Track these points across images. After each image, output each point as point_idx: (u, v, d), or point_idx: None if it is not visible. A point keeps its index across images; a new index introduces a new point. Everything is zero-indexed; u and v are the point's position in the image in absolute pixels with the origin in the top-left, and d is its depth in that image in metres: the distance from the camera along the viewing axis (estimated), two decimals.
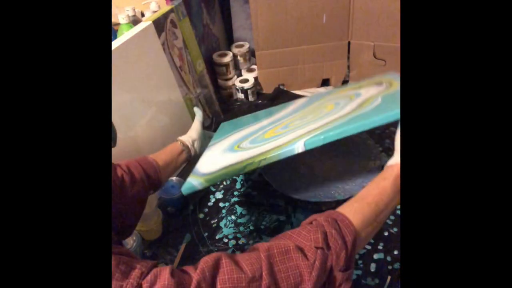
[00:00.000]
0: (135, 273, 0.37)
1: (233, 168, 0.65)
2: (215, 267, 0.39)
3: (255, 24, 1.12)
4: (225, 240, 0.79)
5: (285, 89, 1.23)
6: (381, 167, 0.77)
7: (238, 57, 1.23)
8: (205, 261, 0.40)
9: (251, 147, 0.70)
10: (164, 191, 0.84)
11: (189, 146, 0.77)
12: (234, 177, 0.92)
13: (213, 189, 0.91)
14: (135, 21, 1.01)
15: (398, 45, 1.07)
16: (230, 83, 1.22)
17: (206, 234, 0.81)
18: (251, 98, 1.21)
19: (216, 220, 0.83)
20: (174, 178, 0.87)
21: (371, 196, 0.48)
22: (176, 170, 0.75)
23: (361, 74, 1.18)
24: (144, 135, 0.84)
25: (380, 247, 0.73)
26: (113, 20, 0.99)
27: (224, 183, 0.92)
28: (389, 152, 0.89)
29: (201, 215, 0.85)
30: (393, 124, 0.54)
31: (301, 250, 0.42)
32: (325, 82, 1.23)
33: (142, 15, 1.10)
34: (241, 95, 1.21)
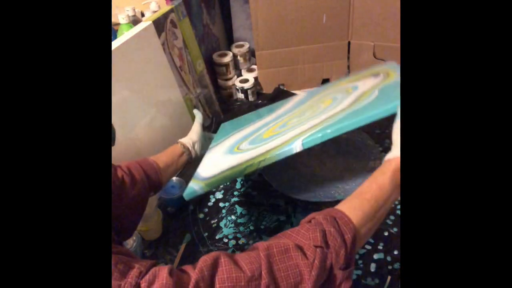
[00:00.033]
0: (134, 272, 0.37)
1: (233, 171, 0.65)
2: (214, 266, 0.39)
3: (255, 24, 1.12)
4: (225, 240, 0.79)
5: (285, 89, 1.23)
6: None
7: (238, 57, 1.23)
8: (204, 260, 0.40)
9: (250, 148, 0.70)
10: (164, 191, 0.84)
11: (190, 148, 0.77)
12: None
13: (213, 189, 0.91)
14: (135, 21, 1.01)
15: (398, 45, 1.07)
16: (230, 83, 1.22)
17: (206, 234, 0.81)
18: (251, 98, 1.21)
19: (216, 220, 0.83)
20: (174, 178, 0.87)
21: (370, 192, 0.47)
22: (177, 172, 0.75)
23: None
24: (144, 134, 0.84)
25: (380, 247, 0.73)
26: (113, 20, 0.98)
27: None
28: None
29: (201, 215, 0.85)
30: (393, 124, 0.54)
31: (300, 249, 0.42)
32: (325, 82, 1.23)
33: (142, 15, 1.10)
34: (241, 95, 1.21)
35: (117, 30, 0.99)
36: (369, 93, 0.67)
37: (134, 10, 1.05)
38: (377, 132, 0.96)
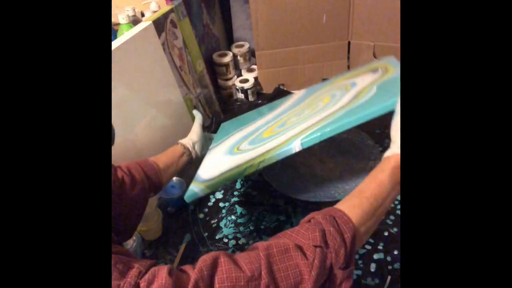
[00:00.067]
0: (133, 272, 0.37)
1: (233, 172, 0.65)
2: (213, 266, 0.39)
3: (255, 24, 1.12)
4: (225, 240, 0.79)
5: (285, 89, 1.23)
6: None
7: (238, 57, 1.23)
8: (203, 260, 0.40)
9: (250, 148, 0.70)
10: (164, 191, 0.84)
11: (190, 148, 0.77)
12: None
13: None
14: (135, 21, 1.01)
15: (398, 45, 1.07)
16: (230, 83, 1.22)
17: (206, 234, 0.81)
18: (251, 98, 1.21)
19: (216, 220, 0.83)
20: (174, 178, 0.87)
21: (369, 190, 0.47)
22: (177, 172, 0.75)
23: None
24: (144, 135, 0.84)
25: (380, 247, 0.73)
26: (113, 20, 0.98)
27: None
28: None
29: (201, 215, 0.85)
30: None
31: (300, 249, 0.41)
32: None
33: (142, 15, 1.10)
34: (241, 95, 1.21)
35: (117, 30, 0.99)
36: (367, 89, 0.66)
37: (134, 10, 1.05)
38: (377, 132, 0.96)
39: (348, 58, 1.18)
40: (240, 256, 0.41)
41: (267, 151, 0.65)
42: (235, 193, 0.89)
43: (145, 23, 0.84)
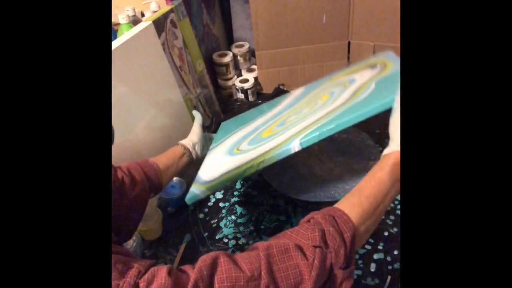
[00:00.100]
0: (132, 272, 0.37)
1: (234, 173, 0.66)
2: (213, 266, 0.39)
3: (255, 24, 1.12)
4: (225, 240, 0.79)
5: (285, 89, 1.23)
6: None
7: (238, 57, 1.23)
8: (203, 260, 0.39)
9: (250, 148, 0.70)
10: (164, 191, 0.84)
11: (190, 149, 0.77)
12: None
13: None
14: (135, 21, 1.01)
15: (398, 45, 1.07)
16: (230, 83, 1.22)
17: (206, 234, 0.81)
18: (251, 98, 1.21)
19: (216, 220, 0.83)
20: (174, 178, 0.87)
21: (369, 189, 0.47)
22: (177, 173, 0.75)
23: None
24: (144, 135, 0.84)
25: (380, 247, 0.73)
26: (113, 20, 0.98)
27: None
28: None
29: (201, 215, 0.85)
30: None
31: (300, 249, 0.41)
32: None
33: (142, 15, 1.10)
34: (241, 95, 1.21)
35: (117, 30, 0.99)
36: (366, 86, 0.66)
37: (134, 10, 1.05)
38: (377, 132, 0.96)
39: (348, 58, 1.18)
40: (240, 256, 0.41)
41: (267, 152, 0.65)
42: (235, 193, 0.89)
43: (145, 23, 0.84)
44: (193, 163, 0.79)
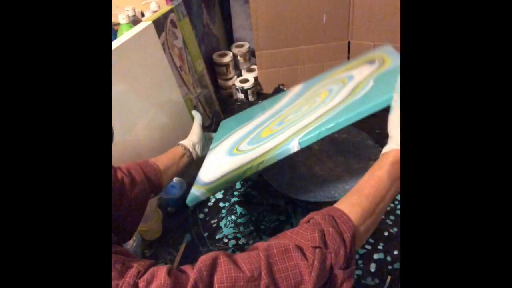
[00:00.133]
0: (132, 272, 0.37)
1: (234, 174, 0.66)
2: (213, 266, 0.39)
3: (255, 24, 1.12)
4: (225, 240, 0.79)
5: (285, 89, 1.23)
6: None
7: (238, 57, 1.23)
8: (203, 260, 0.39)
9: (249, 149, 0.70)
10: (164, 191, 0.84)
11: (191, 149, 0.77)
12: None
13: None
14: (135, 21, 1.01)
15: (398, 45, 1.07)
16: (230, 83, 1.22)
17: (206, 234, 0.81)
18: (251, 98, 1.21)
19: (216, 220, 0.83)
20: (174, 178, 0.87)
21: (368, 188, 0.47)
22: (178, 173, 0.75)
23: None
24: (144, 135, 0.84)
25: (380, 247, 0.73)
26: (113, 20, 0.98)
27: None
28: None
29: (201, 215, 0.85)
30: None
31: (300, 249, 0.41)
32: None
33: (142, 15, 1.10)
34: (241, 95, 1.21)
35: (117, 30, 0.99)
36: (364, 83, 0.66)
37: (134, 10, 1.05)
38: (377, 132, 0.96)
39: (348, 58, 1.18)
40: (240, 256, 0.41)
41: (266, 152, 0.65)
42: (235, 193, 0.89)
43: (145, 23, 0.84)
44: (194, 163, 0.79)
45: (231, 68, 1.20)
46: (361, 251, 0.73)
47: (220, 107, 1.14)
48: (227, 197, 0.88)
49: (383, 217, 0.48)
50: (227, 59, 1.18)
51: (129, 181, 0.61)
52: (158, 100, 0.88)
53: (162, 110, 0.89)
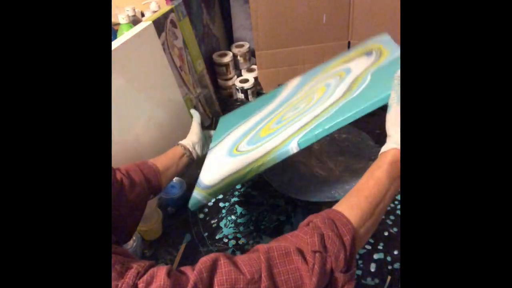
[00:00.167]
0: (131, 272, 0.37)
1: (235, 177, 0.66)
2: (213, 268, 0.39)
3: (255, 24, 1.12)
4: (225, 240, 0.79)
5: None
6: None
7: (238, 57, 1.23)
8: (203, 262, 0.39)
9: (249, 149, 0.70)
10: (164, 191, 0.84)
11: (190, 149, 0.77)
12: None
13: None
14: (135, 21, 1.01)
15: (398, 45, 1.07)
16: (230, 83, 1.22)
17: (206, 234, 0.81)
18: (251, 98, 1.21)
19: (216, 220, 0.83)
20: (174, 179, 0.87)
21: (368, 189, 0.47)
22: (177, 174, 0.75)
23: None
24: (144, 135, 0.84)
25: (380, 247, 0.73)
26: (113, 20, 0.98)
27: None
28: None
29: (201, 215, 0.85)
30: None
31: (301, 253, 0.41)
32: None
33: (142, 15, 1.10)
34: (241, 95, 1.21)
35: (117, 30, 0.99)
36: (361, 78, 0.66)
37: (134, 10, 1.05)
38: (377, 132, 0.96)
39: None
40: (240, 258, 0.41)
41: (266, 153, 0.65)
42: (235, 193, 0.89)
43: (145, 23, 0.84)
44: (194, 163, 0.79)
45: (231, 68, 1.20)
46: (361, 251, 0.73)
47: (220, 107, 1.14)
48: (227, 197, 0.88)
49: (383, 217, 0.48)
50: (227, 59, 1.18)
51: (128, 182, 0.61)
52: (158, 100, 0.88)
53: (162, 110, 0.89)
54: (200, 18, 1.13)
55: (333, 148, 0.92)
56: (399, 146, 0.48)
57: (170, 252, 0.77)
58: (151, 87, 0.85)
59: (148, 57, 0.84)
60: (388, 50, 0.71)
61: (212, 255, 0.40)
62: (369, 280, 0.68)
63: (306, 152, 0.90)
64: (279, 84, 1.22)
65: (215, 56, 1.19)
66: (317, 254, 0.40)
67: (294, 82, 0.87)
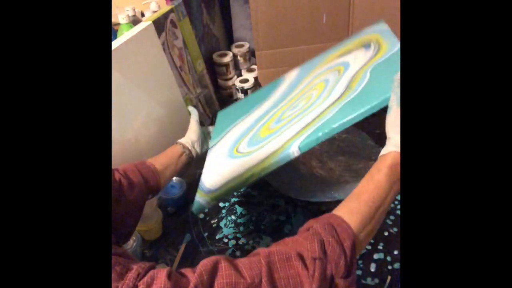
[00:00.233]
0: (131, 274, 0.37)
1: (237, 182, 0.66)
2: (214, 271, 0.39)
3: (255, 24, 1.12)
4: (225, 240, 0.79)
5: None
6: None
7: (238, 57, 1.23)
8: (204, 264, 0.39)
9: (250, 151, 0.70)
10: (164, 191, 0.84)
11: (190, 148, 0.77)
12: None
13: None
14: (135, 21, 1.01)
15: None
16: (230, 83, 1.22)
17: (206, 234, 0.81)
18: None
19: (216, 220, 0.83)
20: (174, 178, 0.87)
21: (367, 193, 0.47)
22: (176, 173, 0.75)
23: None
24: (144, 135, 0.84)
25: (380, 247, 0.73)
26: (113, 20, 0.99)
27: None
28: None
29: (201, 215, 0.85)
30: None
31: (301, 258, 0.41)
32: None
33: (142, 15, 1.10)
34: (241, 95, 1.20)
35: (117, 30, 0.99)
36: (361, 76, 0.65)
37: (134, 10, 1.05)
38: (377, 132, 0.96)
39: None
40: (241, 262, 0.41)
41: (267, 157, 0.65)
42: (235, 193, 0.89)
43: (145, 23, 0.84)
44: (193, 161, 0.78)
45: (231, 68, 1.20)
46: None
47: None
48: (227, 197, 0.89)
49: (383, 218, 0.48)
50: (227, 59, 1.18)
51: (127, 183, 0.60)
52: (158, 100, 0.88)
53: (162, 110, 0.89)
54: (200, 18, 1.13)
55: (333, 148, 0.92)
56: (399, 149, 0.48)
57: (170, 252, 0.77)
58: (151, 87, 0.85)
59: (148, 57, 0.84)
60: (386, 43, 0.69)
61: (213, 258, 0.40)
62: (369, 280, 0.68)
63: (306, 152, 0.90)
64: None
65: (215, 56, 1.19)
66: (317, 261, 0.40)
67: (292, 75, 0.85)
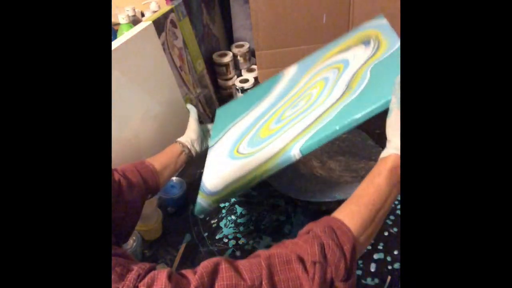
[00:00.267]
0: (132, 275, 0.36)
1: (239, 184, 0.66)
2: (214, 272, 0.39)
3: (255, 24, 1.12)
4: (225, 240, 0.79)
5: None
6: None
7: (238, 57, 1.23)
8: (204, 266, 0.39)
9: (250, 152, 0.70)
10: (164, 191, 0.84)
11: (189, 146, 0.77)
12: None
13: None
14: (135, 21, 1.01)
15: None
16: (230, 83, 1.22)
17: (206, 234, 0.81)
18: None
19: (216, 220, 0.83)
20: (174, 178, 0.87)
21: (367, 196, 0.47)
22: (176, 172, 0.75)
23: None
24: (144, 135, 0.84)
25: (380, 247, 0.73)
26: (113, 20, 0.99)
27: None
28: None
29: (201, 215, 0.85)
30: None
31: (302, 261, 0.41)
32: None
33: (142, 15, 1.10)
34: (241, 95, 1.20)
35: (117, 30, 0.99)
36: (361, 75, 0.65)
37: (134, 10, 1.05)
38: (377, 132, 0.96)
39: None
40: (241, 263, 0.41)
41: (268, 160, 0.65)
42: None
43: (145, 23, 0.84)
44: (193, 160, 0.78)
45: (231, 68, 1.20)
46: None
47: None
48: None
49: (383, 221, 0.48)
50: (227, 59, 1.18)
51: (126, 183, 0.60)
52: (158, 100, 0.88)
53: (162, 110, 0.89)
54: (200, 18, 1.13)
55: (333, 148, 0.92)
56: (399, 152, 0.48)
57: (170, 252, 0.77)
58: (151, 87, 0.85)
59: (148, 57, 0.84)
60: (386, 40, 0.69)
61: (213, 259, 0.40)
62: (369, 280, 0.68)
63: None
64: None
65: (215, 56, 1.19)
66: (317, 265, 0.40)
67: (291, 72, 0.84)
